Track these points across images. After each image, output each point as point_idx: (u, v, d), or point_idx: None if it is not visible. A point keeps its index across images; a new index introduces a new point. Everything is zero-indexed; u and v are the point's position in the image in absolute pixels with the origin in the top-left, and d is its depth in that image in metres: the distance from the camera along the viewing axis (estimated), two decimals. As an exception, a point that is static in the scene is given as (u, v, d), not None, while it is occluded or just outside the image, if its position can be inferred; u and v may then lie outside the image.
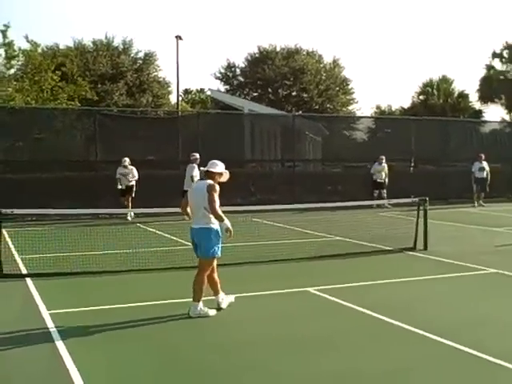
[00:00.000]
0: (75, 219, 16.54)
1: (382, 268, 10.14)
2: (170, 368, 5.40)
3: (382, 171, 21.20)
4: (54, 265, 9.75)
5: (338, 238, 13.21)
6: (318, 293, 8.13)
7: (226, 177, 7.20)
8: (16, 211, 9.76)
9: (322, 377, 5.15)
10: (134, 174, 17.41)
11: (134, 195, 17.16)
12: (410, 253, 11.38)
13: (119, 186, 17.25)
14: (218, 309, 7.16)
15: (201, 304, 6.92)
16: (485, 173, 21.52)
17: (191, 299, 6.99)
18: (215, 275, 7.18)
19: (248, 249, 11.18)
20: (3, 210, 9.30)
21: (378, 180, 21.14)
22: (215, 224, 6.92)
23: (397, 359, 5.61)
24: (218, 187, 6.95)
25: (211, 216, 6.86)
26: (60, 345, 5.92)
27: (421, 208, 11.89)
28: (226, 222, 6.89)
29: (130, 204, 16.86)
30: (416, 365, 5.46)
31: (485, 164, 21.65)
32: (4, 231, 10.02)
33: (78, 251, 10.98)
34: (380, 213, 18.20)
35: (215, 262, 7.11)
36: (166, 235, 13.55)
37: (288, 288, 8.41)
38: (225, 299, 7.25)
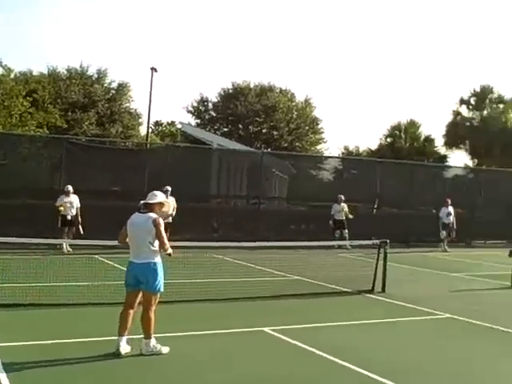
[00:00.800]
0: (33, 248, 16.21)
1: (340, 310, 10.19)
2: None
3: (342, 211, 21.14)
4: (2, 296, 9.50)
5: (297, 277, 13.23)
6: (273, 333, 8.10)
7: (167, 207, 7.19)
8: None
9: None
10: (76, 203, 17.04)
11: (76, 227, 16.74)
12: (368, 295, 11.46)
13: (63, 212, 16.72)
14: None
15: (153, 341, 6.81)
16: (451, 217, 21.77)
17: (142, 335, 6.87)
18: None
19: (206, 286, 11.11)
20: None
21: (338, 219, 21.02)
22: (159, 258, 6.89)
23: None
24: (161, 220, 6.90)
25: (156, 250, 6.83)
26: (3, 379, 5.78)
27: (381, 250, 12.04)
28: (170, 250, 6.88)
29: (72, 236, 16.54)
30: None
31: (451, 209, 21.93)
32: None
33: (27, 282, 10.57)
34: (341, 253, 18.32)
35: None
36: (124, 268, 13.35)
37: (244, 327, 8.38)
38: (158, 347, 6.83)
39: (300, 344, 7.57)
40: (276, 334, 8.06)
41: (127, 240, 7.06)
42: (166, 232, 7.04)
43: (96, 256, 15.17)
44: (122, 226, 7.12)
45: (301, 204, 25.33)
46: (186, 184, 20.73)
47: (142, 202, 7.06)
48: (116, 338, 6.79)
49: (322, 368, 6.74)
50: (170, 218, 16.75)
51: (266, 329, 8.27)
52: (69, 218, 16.85)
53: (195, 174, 21.85)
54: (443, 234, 21.79)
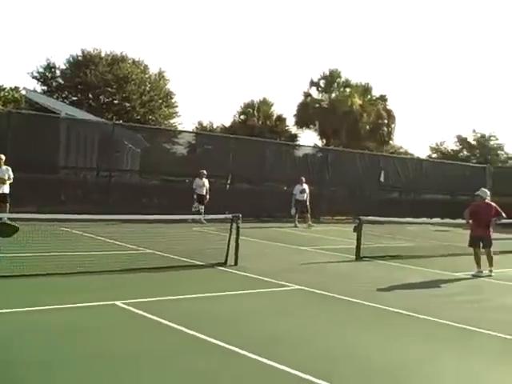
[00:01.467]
0: None
1: (193, 282, 10.12)
2: None
3: (203, 185, 21.23)
4: None
5: (149, 251, 12.98)
6: (125, 306, 7.84)
7: None
8: None
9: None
10: None
11: None
12: (221, 268, 11.51)
13: None
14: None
15: None
16: (305, 195, 22.45)
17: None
18: None
19: (52, 259, 10.51)
20: None
21: (199, 193, 21.09)
22: None
23: (190, 370, 5.55)
24: None
25: None
26: None
27: (233, 225, 12.15)
28: None
29: None
30: (214, 376, 5.44)
31: (305, 186, 22.60)
32: None
33: None
34: (194, 227, 18.28)
35: None
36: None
37: (94, 301, 8.01)
38: None
39: (153, 317, 7.39)
40: (128, 308, 7.81)
41: None
42: (3, 203, 6.46)
43: None
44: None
45: (154, 178, 24.96)
46: (31, 153, 19.54)
47: None
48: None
49: (175, 340, 6.62)
50: (6, 188, 15.75)
51: (117, 302, 7.99)
52: None
53: (41, 143, 20.66)
54: (293, 210, 22.47)
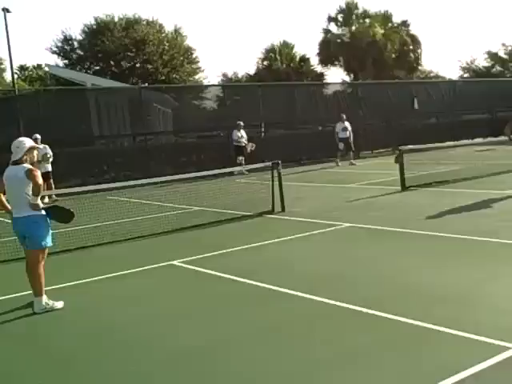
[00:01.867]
0: None
1: (244, 233, 10.25)
2: (37, 361, 5.04)
3: (242, 137, 21.22)
4: None
5: (196, 208, 13.12)
6: (183, 265, 8.03)
7: (36, 152, 6.60)
8: None
9: (216, 345, 5.05)
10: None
11: None
12: (269, 216, 11.58)
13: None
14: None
15: (45, 297, 6.38)
16: (347, 132, 21.93)
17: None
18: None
19: (106, 228, 10.77)
20: None
21: (239, 145, 21.08)
22: (42, 210, 6.39)
23: (266, 319, 5.67)
24: (37, 171, 6.36)
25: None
26: None
27: (274, 171, 12.16)
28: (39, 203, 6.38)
29: None
30: (284, 322, 5.55)
31: (347, 124, 22.06)
32: None
33: None
34: (237, 179, 18.38)
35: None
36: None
37: (152, 264, 8.18)
38: (51, 303, 6.41)
39: (212, 272, 7.54)
40: (186, 266, 7.99)
41: (3, 196, 6.57)
42: (47, 181, 6.59)
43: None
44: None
45: (188, 135, 25.03)
46: (65, 129, 19.73)
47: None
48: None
49: (239, 292, 6.74)
50: (49, 166, 15.98)
51: (175, 262, 8.17)
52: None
53: (73, 117, 20.82)
54: (341, 145, 21.98)
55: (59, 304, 6.43)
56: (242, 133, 21.33)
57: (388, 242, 8.78)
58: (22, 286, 6.68)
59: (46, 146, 16.14)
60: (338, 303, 5.91)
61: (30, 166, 6.36)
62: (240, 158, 20.80)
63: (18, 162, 6.37)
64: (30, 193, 6.27)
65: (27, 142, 6.53)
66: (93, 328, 5.82)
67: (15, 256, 8.48)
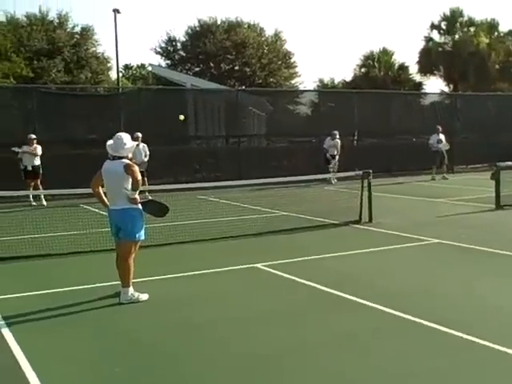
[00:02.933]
0: (13, 201, 15.95)
1: (328, 242, 10.24)
2: (124, 351, 5.28)
3: (335, 147, 20.70)
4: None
5: (283, 213, 13.24)
6: (266, 268, 8.14)
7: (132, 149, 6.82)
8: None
9: (286, 350, 5.13)
10: (37, 152, 16.16)
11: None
12: (356, 226, 11.52)
13: (22, 166, 15.95)
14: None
15: (131, 289, 6.67)
16: (443, 145, 21.25)
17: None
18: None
19: (193, 227, 11.08)
20: None
21: (329, 155, 20.61)
22: (138, 204, 6.67)
23: (343, 328, 5.67)
24: (135, 166, 6.64)
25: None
26: (6, 332, 5.72)
27: (365, 181, 12.06)
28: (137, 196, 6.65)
29: (41, 187, 15.87)
30: (361, 332, 5.55)
31: (442, 136, 21.43)
32: None
33: (17, 235, 10.62)
34: (326, 187, 18.36)
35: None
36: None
37: (236, 265, 8.36)
38: (136, 295, 6.69)
39: (295, 278, 7.60)
40: (269, 269, 8.09)
41: (100, 188, 6.92)
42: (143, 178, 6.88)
43: (82, 205, 14.99)
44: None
45: (281, 140, 25.22)
46: (162, 127, 20.41)
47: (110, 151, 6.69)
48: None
49: (321, 300, 6.77)
50: (145, 164, 16.45)
51: (258, 265, 8.30)
52: (29, 168, 16.07)
53: (171, 116, 21.46)
54: (437, 157, 21.23)
55: (144, 296, 6.70)
56: (336, 142, 20.79)
57: (477, 262, 8.53)
58: (111, 275, 7.00)
59: (145, 146, 16.51)
60: (418, 320, 5.80)
61: (129, 162, 6.62)
62: (332, 164, 20.43)
63: (119, 158, 6.63)
64: (129, 187, 6.55)
65: (129, 140, 6.78)
66: (171, 322, 6.01)
67: (104, 247, 8.90)
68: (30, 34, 36.26)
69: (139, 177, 6.57)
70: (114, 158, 6.63)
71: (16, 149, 16.11)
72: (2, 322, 6.03)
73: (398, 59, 50.87)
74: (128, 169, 6.53)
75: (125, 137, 6.73)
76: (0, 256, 9.06)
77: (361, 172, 12.39)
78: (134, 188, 6.53)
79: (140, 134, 15.99)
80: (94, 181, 6.91)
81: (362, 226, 11.45)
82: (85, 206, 14.73)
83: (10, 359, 5.05)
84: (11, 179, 15.56)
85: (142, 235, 6.70)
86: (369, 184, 12.01)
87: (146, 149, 16.56)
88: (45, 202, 15.89)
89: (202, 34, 48.54)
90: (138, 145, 15.67)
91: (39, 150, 16.31)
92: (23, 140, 16.59)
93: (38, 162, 16.24)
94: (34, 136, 16.41)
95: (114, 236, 6.88)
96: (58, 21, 39.15)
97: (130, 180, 6.53)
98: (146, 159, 16.32)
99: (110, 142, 6.69)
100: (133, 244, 6.66)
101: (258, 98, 27.89)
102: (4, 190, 11.33)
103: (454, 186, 19.12)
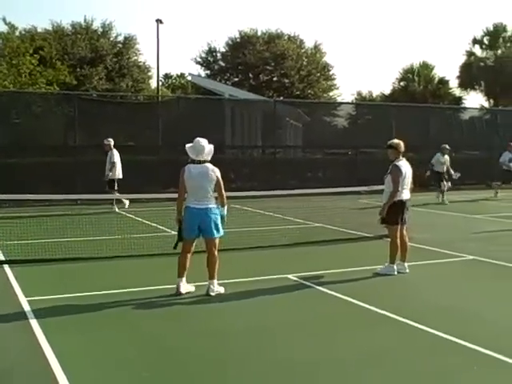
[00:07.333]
0: (54, 205, 16.33)
1: (361, 255, 10.18)
2: (156, 357, 5.33)
3: (444, 163, 18.79)
4: (33, 251, 9.63)
5: (317, 224, 13.23)
6: (297, 279, 8.15)
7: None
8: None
9: (321, 363, 5.13)
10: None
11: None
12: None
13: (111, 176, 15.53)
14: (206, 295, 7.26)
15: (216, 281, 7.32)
16: None
17: (174, 285, 7.19)
18: None
19: (225, 236, 11.12)
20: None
21: (438, 171, 18.73)
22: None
23: (372, 344, 5.63)
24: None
25: (213, 196, 7.29)
26: (38, 332, 5.85)
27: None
28: (226, 208, 7.45)
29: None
30: (392, 348, 5.51)
31: None
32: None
33: (57, 238, 10.88)
34: (361, 200, 18.25)
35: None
36: (146, 221, 13.50)
37: (267, 275, 8.39)
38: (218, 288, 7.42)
39: (326, 290, 7.59)
40: (300, 281, 8.10)
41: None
42: None
43: (118, 210, 15.22)
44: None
45: (317, 152, 25.21)
46: (200, 136, 20.58)
47: (193, 157, 7.27)
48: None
49: (350, 313, 6.76)
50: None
51: (290, 275, 8.30)
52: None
53: (208, 125, 21.68)
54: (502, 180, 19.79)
55: (221, 289, 7.37)
56: (447, 158, 19.04)
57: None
58: (149, 280, 7.14)
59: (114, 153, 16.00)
60: (454, 339, 5.69)
61: (214, 167, 7.30)
62: (444, 183, 18.70)
63: (204, 162, 7.23)
64: (213, 189, 7.23)
65: (208, 144, 7.34)
66: (203, 329, 6.06)
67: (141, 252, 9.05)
68: (75, 42, 37.13)
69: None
70: (200, 161, 7.22)
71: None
72: (35, 323, 6.16)
73: (437, 73, 50.44)
74: (219, 174, 7.26)
75: (206, 142, 7.33)
76: (42, 258, 9.28)
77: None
78: (223, 191, 7.34)
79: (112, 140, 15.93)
80: (180, 191, 7.40)
81: (396, 240, 11.32)
82: (121, 212, 14.99)
83: (42, 360, 5.13)
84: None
85: (223, 232, 7.40)
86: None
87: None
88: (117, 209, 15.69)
89: (242, 44, 48.93)
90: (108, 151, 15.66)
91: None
92: (64, 145, 16.93)
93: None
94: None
95: (192, 233, 7.31)
96: (101, 30, 40.04)
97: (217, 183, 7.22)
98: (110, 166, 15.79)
99: (196, 146, 7.25)
100: (218, 239, 7.37)
101: (295, 110, 27.98)
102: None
103: (490, 202, 18.77)
